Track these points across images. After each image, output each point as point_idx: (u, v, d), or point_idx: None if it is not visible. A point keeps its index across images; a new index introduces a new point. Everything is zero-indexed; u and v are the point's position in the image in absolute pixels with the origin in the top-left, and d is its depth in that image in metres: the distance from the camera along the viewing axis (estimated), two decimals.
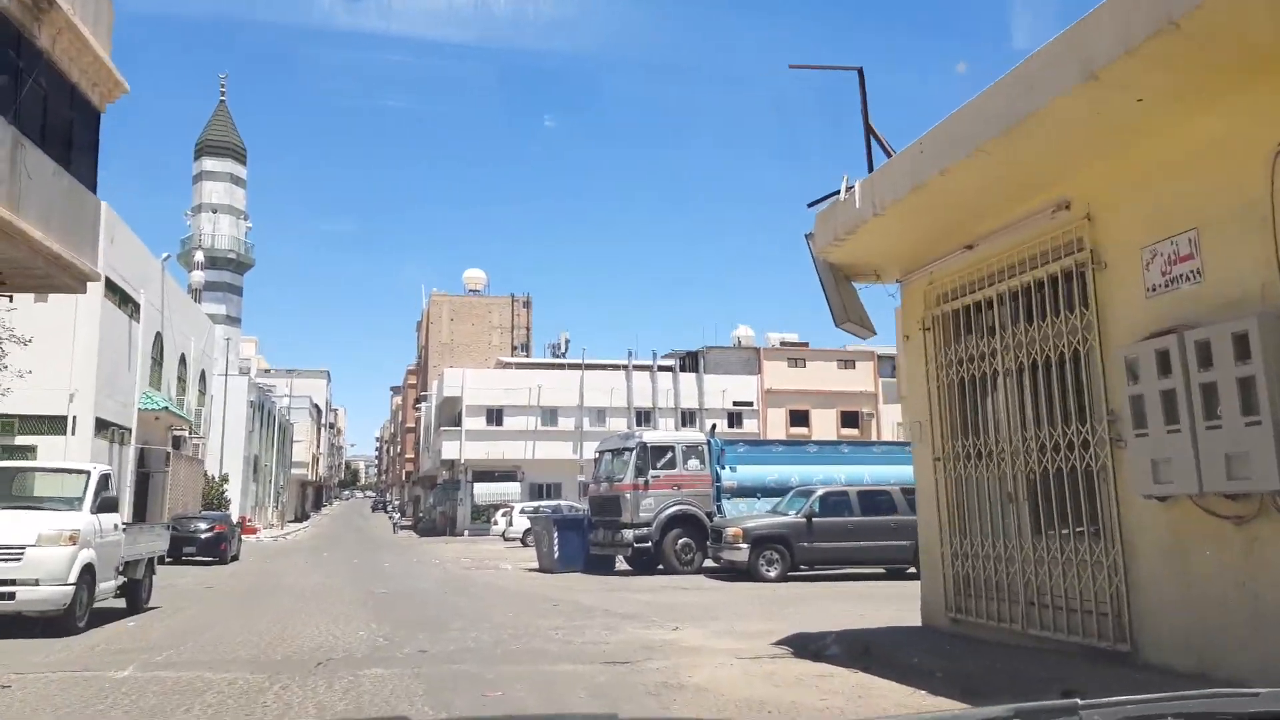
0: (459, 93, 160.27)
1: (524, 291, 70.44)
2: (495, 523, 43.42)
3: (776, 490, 20.77)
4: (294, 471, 79.61)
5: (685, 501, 20.04)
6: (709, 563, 19.75)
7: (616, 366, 55.18)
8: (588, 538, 21.28)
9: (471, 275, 72.43)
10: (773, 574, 17.76)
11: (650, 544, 19.58)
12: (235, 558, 28.13)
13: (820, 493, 18.62)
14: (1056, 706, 1.62)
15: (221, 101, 59.41)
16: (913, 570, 18.90)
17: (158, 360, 32.09)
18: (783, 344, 60.68)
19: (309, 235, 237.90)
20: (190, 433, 38.33)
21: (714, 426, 22.24)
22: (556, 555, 21.13)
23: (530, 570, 21.97)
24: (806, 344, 60.13)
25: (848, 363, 56.86)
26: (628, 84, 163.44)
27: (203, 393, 41.47)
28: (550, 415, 53.23)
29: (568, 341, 66.18)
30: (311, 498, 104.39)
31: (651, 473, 19.91)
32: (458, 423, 52.77)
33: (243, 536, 48.00)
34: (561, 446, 52.73)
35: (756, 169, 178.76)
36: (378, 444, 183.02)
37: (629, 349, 54.45)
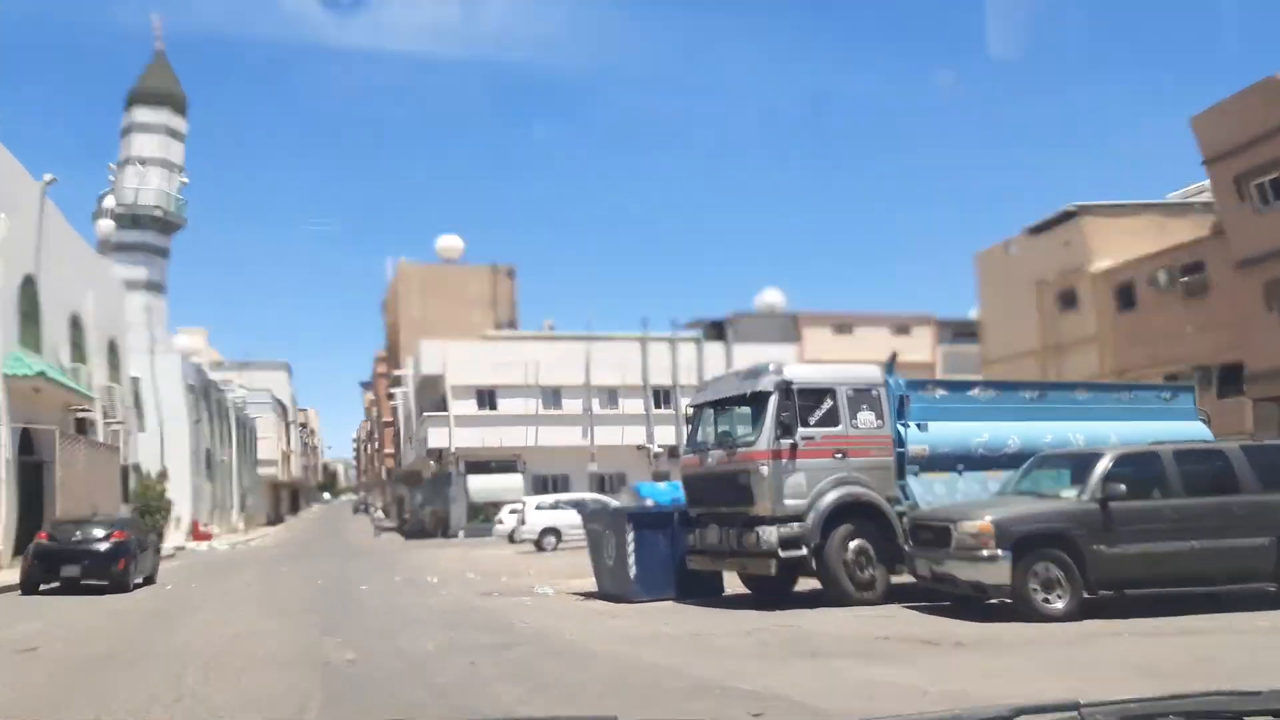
0: (446, 104, 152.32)
1: (506, 261, 61.93)
2: (499, 522, 35.35)
3: (987, 460, 12.85)
4: (261, 471, 71.09)
5: (854, 479, 12.08)
6: (891, 579, 11.93)
7: (628, 338, 47.18)
8: (682, 542, 13.32)
9: (445, 243, 63.80)
10: (1058, 605, 9.87)
11: (806, 550, 11.58)
12: (149, 579, 20.00)
13: (1114, 458, 10.67)
14: (1058, 705, 1.69)
15: (159, 50, 50.69)
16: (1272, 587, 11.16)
17: (31, 315, 23.73)
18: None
19: (283, 241, 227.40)
20: (106, 417, 30.04)
21: (894, 356, 14.10)
22: (634, 572, 13.16)
23: (586, 597, 14.03)
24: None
25: (902, 329, 49.11)
26: (617, 95, 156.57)
27: (115, 368, 33.10)
28: (553, 396, 45.17)
29: (552, 328, 57.95)
30: (287, 500, 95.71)
31: (802, 432, 11.89)
32: (443, 406, 44.59)
33: (193, 544, 39.78)
34: (568, 432, 44.70)
35: (745, 175, 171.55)
36: (355, 444, 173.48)
37: (643, 316, 46.61)
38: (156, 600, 16.09)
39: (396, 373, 56.65)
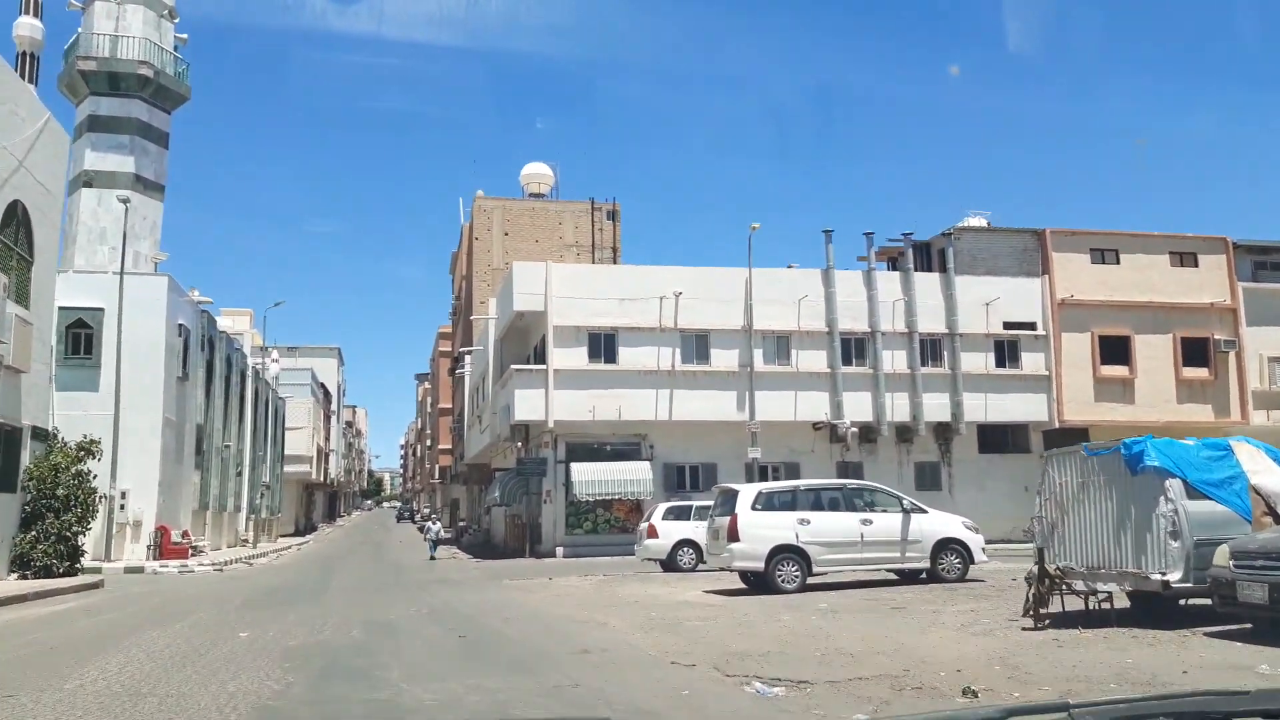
0: (451, 94, 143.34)
1: (607, 199, 47.70)
2: (650, 534, 21.03)
3: None
4: (290, 469, 57.26)
5: None
6: None
7: (804, 271, 32.58)
8: None
9: (533, 172, 49.91)
10: None
11: None
12: None
13: None
14: (1048, 706, 1.65)
15: None
16: None
17: None
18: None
19: (302, 237, 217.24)
20: None
21: None
22: None
23: None
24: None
25: (1185, 256, 33.86)
26: (621, 87, 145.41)
27: (24, 261, 19.20)
28: (694, 345, 30.63)
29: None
30: (322, 505, 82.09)
31: None
32: (539, 358, 30.34)
33: (156, 563, 25.53)
34: (715, 400, 30.16)
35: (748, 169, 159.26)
36: (403, 450, 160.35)
37: (826, 230, 31.69)
38: None
39: (474, 317, 42.23)
